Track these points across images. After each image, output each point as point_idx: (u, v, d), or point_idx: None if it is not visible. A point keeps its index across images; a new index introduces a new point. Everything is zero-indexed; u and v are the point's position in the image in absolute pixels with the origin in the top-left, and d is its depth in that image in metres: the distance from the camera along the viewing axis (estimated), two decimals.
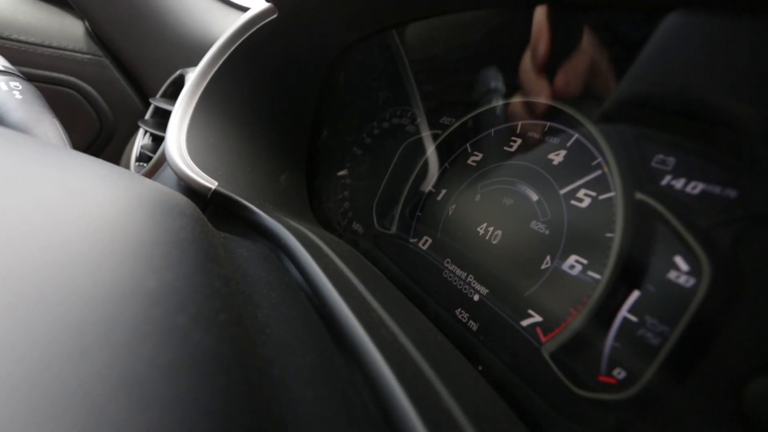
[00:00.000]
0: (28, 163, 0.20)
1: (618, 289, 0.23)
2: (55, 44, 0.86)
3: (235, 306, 0.18)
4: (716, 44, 0.22)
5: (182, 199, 0.26)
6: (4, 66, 0.39)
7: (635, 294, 0.22)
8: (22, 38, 0.82)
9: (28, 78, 0.43)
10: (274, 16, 0.47)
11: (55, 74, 0.85)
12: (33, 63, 0.83)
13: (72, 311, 0.12)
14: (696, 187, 0.22)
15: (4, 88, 0.36)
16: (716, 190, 0.21)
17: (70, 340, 0.11)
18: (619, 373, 0.21)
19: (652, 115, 0.25)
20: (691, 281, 0.20)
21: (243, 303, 0.20)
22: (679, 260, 0.21)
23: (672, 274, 0.21)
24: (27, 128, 0.35)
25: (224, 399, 0.12)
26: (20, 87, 0.38)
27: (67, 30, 0.88)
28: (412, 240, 0.38)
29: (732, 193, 0.20)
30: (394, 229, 0.41)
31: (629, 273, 0.23)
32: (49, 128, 0.37)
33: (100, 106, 0.91)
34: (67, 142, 0.38)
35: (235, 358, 0.14)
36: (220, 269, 0.20)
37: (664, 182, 0.23)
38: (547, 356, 0.25)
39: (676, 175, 0.23)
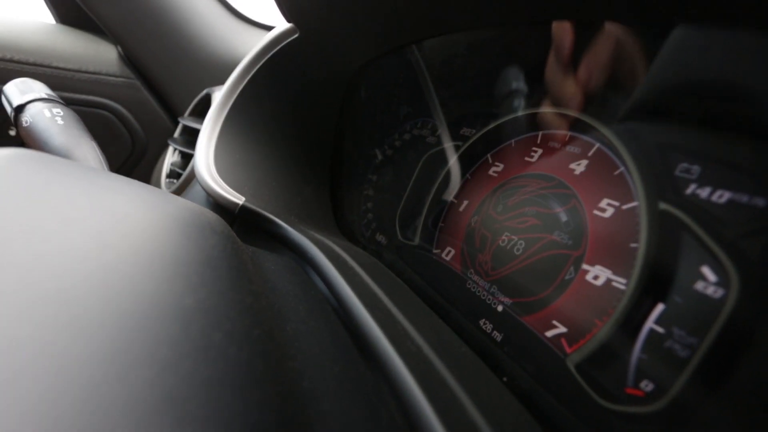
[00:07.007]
0: (71, 186, 0.21)
1: (644, 299, 0.23)
2: (91, 69, 0.91)
3: (266, 321, 0.19)
4: (739, 50, 0.22)
5: (213, 216, 0.27)
6: (47, 94, 0.42)
7: (662, 305, 0.22)
8: (61, 65, 0.87)
9: (67, 102, 0.46)
10: (296, 35, 0.48)
11: (91, 97, 0.90)
12: (71, 88, 0.88)
13: (119, 331, 0.12)
14: (722, 196, 0.21)
15: (48, 114, 0.39)
16: (743, 198, 0.20)
17: (117, 359, 0.12)
18: (647, 386, 0.21)
19: (676, 123, 0.24)
20: (720, 292, 0.20)
21: (273, 317, 0.21)
22: (706, 271, 0.21)
23: (699, 285, 0.21)
24: (68, 152, 0.38)
25: (259, 412, 0.13)
26: (62, 113, 0.40)
27: (102, 55, 0.93)
28: (435, 251, 0.39)
29: (760, 201, 0.20)
30: (417, 241, 0.41)
31: (655, 283, 0.23)
32: (88, 151, 0.39)
33: (133, 126, 0.95)
34: (104, 164, 0.40)
35: (267, 372, 0.15)
36: (251, 285, 0.21)
37: (688, 191, 0.23)
38: (572, 367, 0.25)
39: (702, 184, 0.22)
